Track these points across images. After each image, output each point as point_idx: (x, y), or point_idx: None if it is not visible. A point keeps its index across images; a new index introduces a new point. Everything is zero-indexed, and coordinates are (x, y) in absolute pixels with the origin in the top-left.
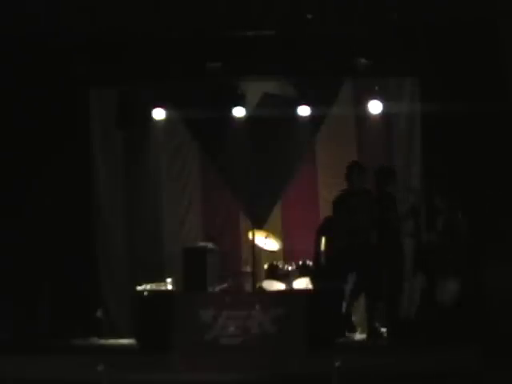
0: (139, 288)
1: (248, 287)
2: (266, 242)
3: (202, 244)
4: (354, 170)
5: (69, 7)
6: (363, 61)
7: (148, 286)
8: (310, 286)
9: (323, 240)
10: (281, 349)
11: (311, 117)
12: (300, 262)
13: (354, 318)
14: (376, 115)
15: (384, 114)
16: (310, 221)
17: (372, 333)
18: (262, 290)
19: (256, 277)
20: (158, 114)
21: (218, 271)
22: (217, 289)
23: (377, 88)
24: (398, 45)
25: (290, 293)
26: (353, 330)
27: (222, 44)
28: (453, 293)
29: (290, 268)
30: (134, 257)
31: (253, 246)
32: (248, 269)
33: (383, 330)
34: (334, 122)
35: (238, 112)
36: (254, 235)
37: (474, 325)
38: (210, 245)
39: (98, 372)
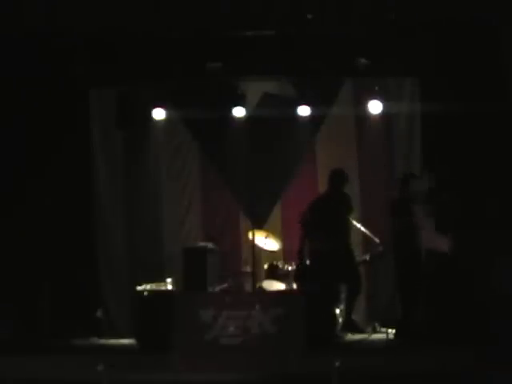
0: (139, 288)
1: (248, 287)
2: (266, 241)
3: (202, 244)
4: (337, 177)
5: (69, 7)
6: (363, 61)
7: (148, 286)
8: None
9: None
10: (280, 349)
11: (311, 117)
12: None
13: (353, 317)
14: (376, 115)
15: (384, 114)
16: None
17: (349, 326)
18: (262, 290)
19: (256, 277)
20: (158, 113)
21: (217, 271)
22: (217, 289)
23: (377, 88)
24: (398, 45)
25: (290, 293)
26: (353, 330)
27: (222, 44)
28: None
29: (289, 268)
30: (134, 257)
31: (253, 246)
32: (248, 269)
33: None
34: (333, 122)
35: (238, 112)
36: (253, 235)
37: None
38: (210, 245)
39: (98, 372)
